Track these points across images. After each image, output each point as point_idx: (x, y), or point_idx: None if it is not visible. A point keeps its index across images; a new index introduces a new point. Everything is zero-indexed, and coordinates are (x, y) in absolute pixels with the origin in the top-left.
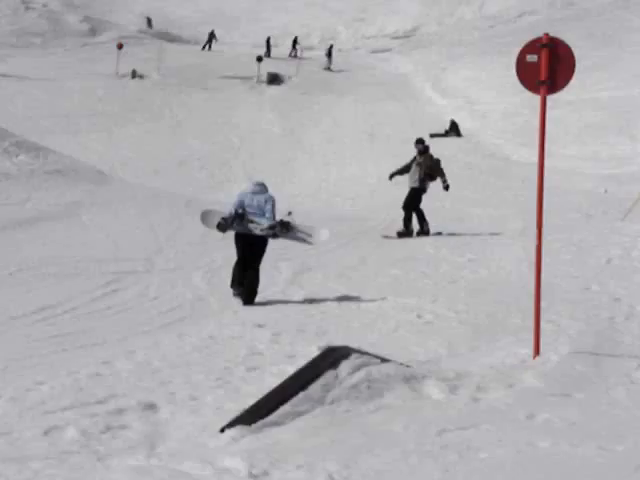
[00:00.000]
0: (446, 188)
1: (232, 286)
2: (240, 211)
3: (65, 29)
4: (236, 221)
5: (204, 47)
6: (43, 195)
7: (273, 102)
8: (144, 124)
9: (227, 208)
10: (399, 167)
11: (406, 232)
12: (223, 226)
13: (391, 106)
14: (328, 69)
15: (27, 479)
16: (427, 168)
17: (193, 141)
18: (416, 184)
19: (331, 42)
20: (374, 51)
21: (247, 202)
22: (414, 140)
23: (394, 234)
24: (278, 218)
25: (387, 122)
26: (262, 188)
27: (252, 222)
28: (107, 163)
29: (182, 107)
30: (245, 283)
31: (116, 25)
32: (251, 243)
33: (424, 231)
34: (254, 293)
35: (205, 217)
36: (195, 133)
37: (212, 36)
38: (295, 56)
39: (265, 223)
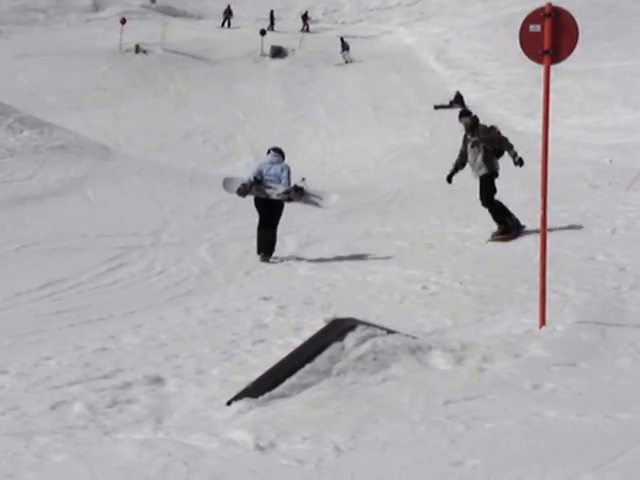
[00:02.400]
0: (519, 162)
1: (259, 252)
2: (259, 178)
3: (68, 5)
4: (255, 187)
5: (222, 24)
6: (48, 171)
7: (277, 76)
8: (148, 99)
9: (247, 175)
10: (454, 162)
11: (505, 230)
12: (242, 191)
13: (395, 78)
14: (348, 61)
15: (34, 454)
16: (489, 144)
17: (197, 115)
18: (484, 169)
19: (340, 35)
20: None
21: (265, 171)
22: (458, 115)
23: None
24: (293, 184)
25: (391, 94)
26: (279, 158)
27: (269, 187)
28: (112, 138)
29: (186, 81)
30: (263, 240)
31: (119, 0)
32: (269, 206)
33: (514, 227)
34: (272, 248)
35: (227, 183)
36: (199, 107)
37: (229, 13)
38: (307, 30)
39: (281, 188)
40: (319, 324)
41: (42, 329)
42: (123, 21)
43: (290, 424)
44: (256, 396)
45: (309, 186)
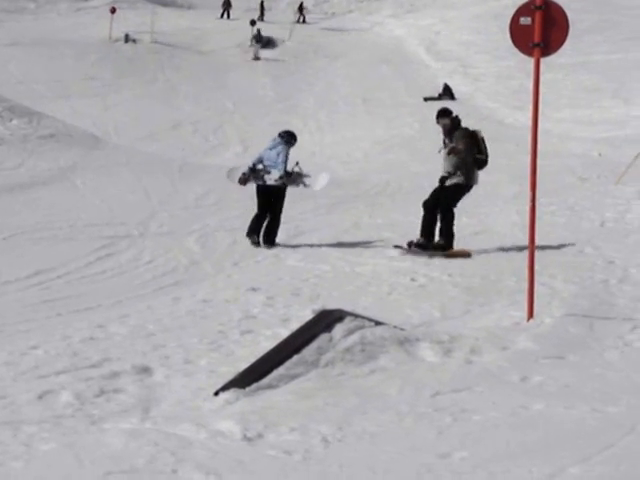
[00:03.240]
0: (477, 166)
1: (247, 234)
2: (259, 166)
3: None
4: (252, 174)
5: (222, 16)
6: (37, 160)
7: (267, 66)
8: (137, 88)
9: (249, 164)
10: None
11: (426, 243)
12: (242, 179)
13: (385, 70)
14: (257, 58)
15: (21, 443)
16: (467, 152)
17: (187, 105)
18: (458, 179)
19: (258, 27)
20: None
21: (265, 156)
22: (435, 114)
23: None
24: (289, 168)
25: (381, 86)
26: (278, 142)
27: (268, 173)
28: (101, 127)
29: (175, 71)
30: (265, 225)
31: None
32: (268, 193)
33: (435, 246)
34: (273, 235)
35: (231, 173)
36: (189, 97)
37: (228, 4)
38: (304, 21)
39: (276, 174)
40: (307, 315)
41: (30, 318)
42: (113, 10)
43: (278, 415)
44: (244, 387)
45: (302, 169)
